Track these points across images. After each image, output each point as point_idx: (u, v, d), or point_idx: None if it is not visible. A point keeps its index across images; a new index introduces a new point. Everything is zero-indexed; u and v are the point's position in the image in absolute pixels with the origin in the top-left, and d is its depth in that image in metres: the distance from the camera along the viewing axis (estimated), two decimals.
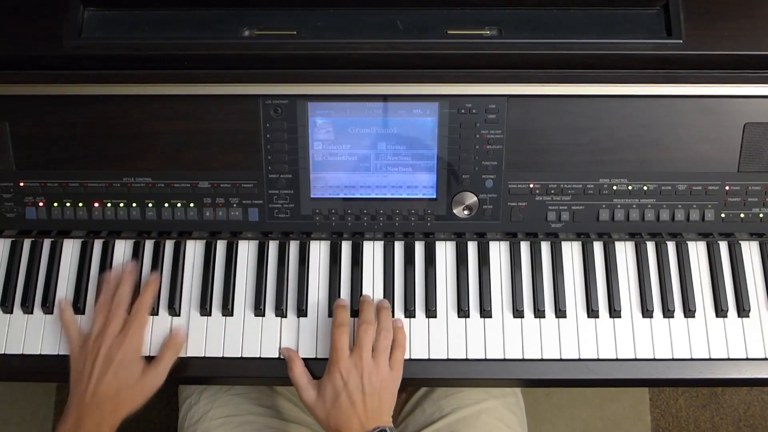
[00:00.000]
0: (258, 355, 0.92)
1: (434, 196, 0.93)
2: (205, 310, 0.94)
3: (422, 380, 0.91)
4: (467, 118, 0.90)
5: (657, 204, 0.92)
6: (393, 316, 0.93)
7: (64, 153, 0.91)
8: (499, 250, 0.96)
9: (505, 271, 0.95)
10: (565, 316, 0.93)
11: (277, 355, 0.92)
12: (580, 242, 0.96)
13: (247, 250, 0.97)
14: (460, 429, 0.99)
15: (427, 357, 0.91)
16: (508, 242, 0.96)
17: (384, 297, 0.94)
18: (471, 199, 0.92)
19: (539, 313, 0.93)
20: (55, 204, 0.93)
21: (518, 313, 0.93)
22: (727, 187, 0.91)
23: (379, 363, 0.86)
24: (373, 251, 0.96)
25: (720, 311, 0.93)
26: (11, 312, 0.95)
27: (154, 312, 0.94)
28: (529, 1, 0.89)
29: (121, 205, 0.93)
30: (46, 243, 0.97)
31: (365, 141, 0.91)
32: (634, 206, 0.92)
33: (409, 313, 0.93)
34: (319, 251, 0.97)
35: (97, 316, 0.90)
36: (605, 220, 0.92)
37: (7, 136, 0.91)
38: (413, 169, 0.92)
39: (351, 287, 0.94)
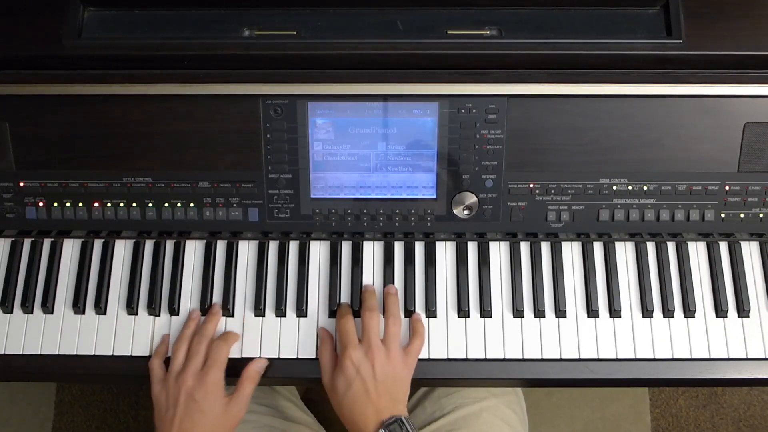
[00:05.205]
0: (258, 355, 0.91)
1: (434, 196, 0.93)
2: (205, 310, 0.94)
3: (422, 380, 0.91)
4: (467, 118, 0.90)
5: (657, 204, 0.92)
6: None
7: (64, 153, 0.91)
8: (499, 250, 0.96)
9: (505, 271, 0.95)
10: (565, 316, 0.93)
11: (277, 355, 0.92)
12: (580, 242, 0.96)
13: (247, 250, 0.97)
14: (461, 427, 0.99)
15: (427, 357, 0.91)
16: (508, 242, 0.96)
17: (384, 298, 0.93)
18: (471, 199, 0.92)
19: (539, 313, 0.93)
20: (55, 204, 0.93)
21: (518, 313, 0.93)
22: (727, 187, 0.91)
23: (390, 349, 0.86)
24: (373, 251, 0.96)
25: (720, 311, 0.93)
26: (11, 312, 0.95)
27: (156, 313, 0.94)
28: (529, 1, 0.89)
29: (121, 205, 0.93)
30: (46, 243, 0.97)
31: (365, 141, 0.91)
32: (634, 206, 0.92)
33: (409, 313, 0.93)
34: (319, 251, 0.97)
35: (176, 351, 0.89)
36: (605, 220, 0.92)
37: (7, 136, 0.91)
38: (413, 169, 0.92)
39: (351, 287, 0.94)
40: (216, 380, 0.86)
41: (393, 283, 0.94)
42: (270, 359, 0.91)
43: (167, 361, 0.90)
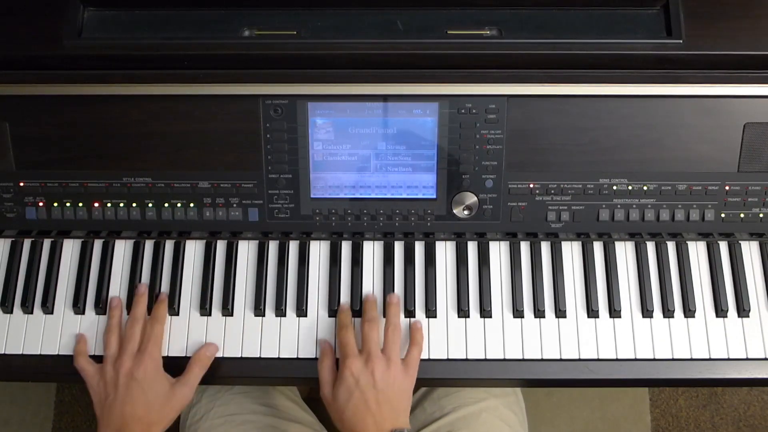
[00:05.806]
0: (258, 355, 0.92)
1: (434, 196, 0.93)
2: (204, 310, 0.94)
3: (422, 380, 0.91)
4: (467, 118, 0.90)
5: (657, 204, 0.92)
6: None
7: (64, 153, 0.91)
8: (499, 250, 0.96)
9: (505, 271, 0.95)
10: (565, 316, 0.93)
11: (277, 355, 0.92)
12: (580, 242, 0.96)
13: (247, 250, 0.97)
14: (461, 428, 0.99)
15: (427, 357, 0.91)
16: (508, 242, 0.96)
17: (384, 297, 0.93)
18: (471, 199, 0.92)
19: (539, 313, 0.93)
20: (55, 204, 0.93)
21: (518, 313, 0.93)
22: (727, 187, 0.91)
23: (390, 360, 0.85)
24: (373, 251, 0.96)
25: (720, 311, 0.93)
26: (11, 312, 0.95)
27: None
28: (529, 1, 0.89)
29: (121, 205, 0.93)
30: (46, 243, 0.97)
31: (365, 141, 0.91)
32: (634, 206, 0.92)
33: (409, 313, 0.93)
34: (319, 251, 0.97)
35: (108, 339, 0.89)
36: (605, 220, 0.92)
37: (7, 136, 0.91)
38: (413, 169, 0.92)
39: (351, 287, 0.94)
40: (155, 357, 0.87)
41: (393, 283, 0.94)
42: (270, 359, 0.91)
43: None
